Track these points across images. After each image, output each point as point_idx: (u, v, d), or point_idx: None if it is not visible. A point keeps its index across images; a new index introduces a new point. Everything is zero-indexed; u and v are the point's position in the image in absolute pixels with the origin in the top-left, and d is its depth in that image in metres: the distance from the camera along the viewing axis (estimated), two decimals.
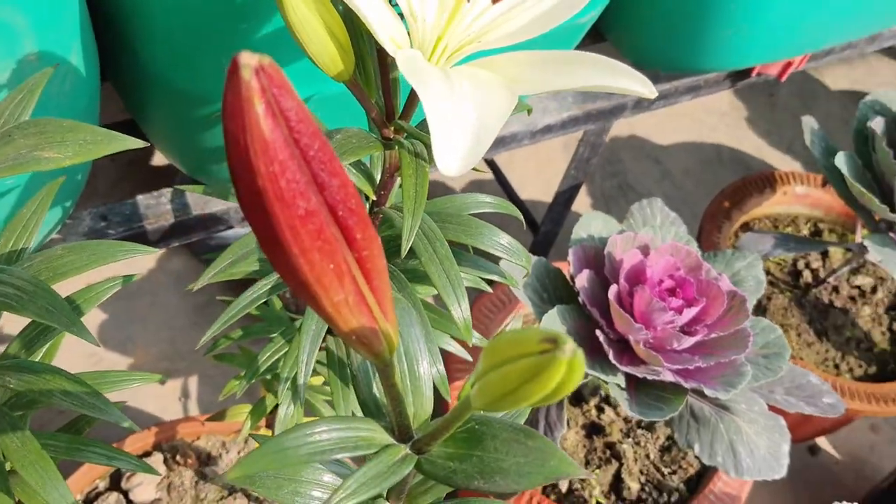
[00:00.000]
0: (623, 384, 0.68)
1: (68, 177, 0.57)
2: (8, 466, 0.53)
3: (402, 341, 0.33)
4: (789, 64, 0.89)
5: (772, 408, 0.74)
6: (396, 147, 0.44)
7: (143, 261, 1.14)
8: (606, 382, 0.68)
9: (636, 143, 1.42)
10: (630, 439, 0.84)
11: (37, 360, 0.51)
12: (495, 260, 0.54)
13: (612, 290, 0.67)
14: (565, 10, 0.40)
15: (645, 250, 0.71)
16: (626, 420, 0.85)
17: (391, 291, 0.28)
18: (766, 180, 1.03)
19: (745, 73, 0.91)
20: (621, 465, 0.83)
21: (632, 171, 1.38)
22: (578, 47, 0.89)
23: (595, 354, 0.68)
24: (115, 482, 0.79)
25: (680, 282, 0.69)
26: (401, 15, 0.39)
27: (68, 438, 0.54)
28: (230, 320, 0.49)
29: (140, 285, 1.13)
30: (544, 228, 1.05)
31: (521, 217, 0.56)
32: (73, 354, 1.04)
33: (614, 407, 0.85)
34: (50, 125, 0.37)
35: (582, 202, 1.33)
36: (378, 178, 0.49)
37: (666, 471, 0.83)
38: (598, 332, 0.67)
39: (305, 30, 0.35)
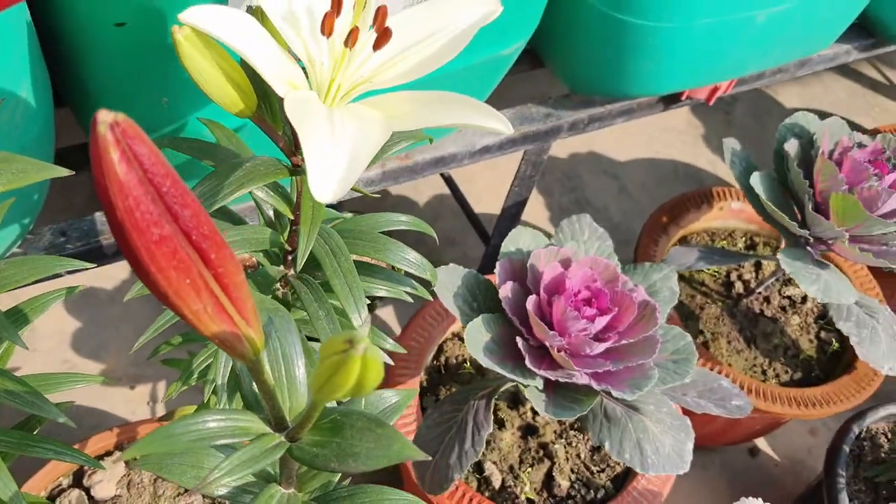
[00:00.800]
0: (541, 387, 0.74)
1: (24, 197, 0.63)
2: None
3: (279, 346, 0.39)
4: (716, 88, 0.95)
5: (685, 410, 0.80)
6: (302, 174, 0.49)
7: (116, 271, 1.19)
8: (526, 385, 0.73)
9: (594, 160, 1.48)
10: (563, 440, 0.90)
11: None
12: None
13: (531, 300, 0.73)
14: (446, 55, 0.46)
15: (566, 263, 0.77)
16: (560, 422, 0.91)
17: (252, 301, 0.33)
18: (703, 197, 1.09)
19: (676, 97, 0.97)
20: (553, 463, 0.88)
21: (589, 186, 1.44)
22: (519, 72, 0.95)
23: (516, 360, 0.73)
24: (78, 480, 0.84)
25: (596, 292, 0.75)
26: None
27: (20, 435, 0.60)
28: (161, 328, 0.54)
29: (113, 295, 1.19)
30: (494, 241, 1.10)
31: (434, 235, 0.61)
32: (47, 360, 1.10)
33: None
34: None
35: (540, 215, 1.38)
36: (294, 199, 0.55)
37: (595, 469, 0.88)
38: (518, 339, 0.73)
39: (203, 77, 0.41)
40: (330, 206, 0.97)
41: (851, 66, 1.75)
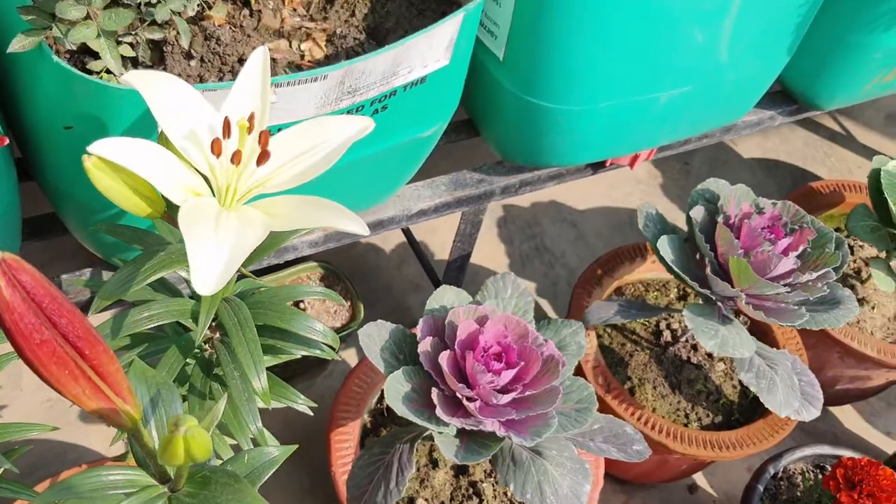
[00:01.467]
0: (455, 433, 0.82)
1: None
2: None
3: (164, 413, 0.48)
4: (637, 156, 1.04)
5: (583, 454, 0.88)
6: None
7: (94, 320, 1.29)
8: (440, 433, 0.82)
9: (555, 208, 1.57)
10: (491, 478, 0.98)
11: None
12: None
13: (444, 355, 0.81)
14: (325, 165, 0.55)
15: (482, 320, 0.85)
16: (494, 476, 0.99)
17: (127, 382, 0.42)
18: (637, 250, 1.18)
19: (601, 163, 1.06)
20: (482, 501, 0.96)
21: (549, 234, 1.53)
22: (459, 140, 1.04)
23: (432, 409, 0.82)
24: None
25: (506, 347, 0.83)
26: None
27: None
28: None
29: None
30: None
31: (343, 302, 0.70)
32: (30, 400, 1.19)
33: None
34: None
35: (500, 262, 1.47)
36: None
37: None
38: (433, 390, 0.82)
39: (110, 193, 0.50)
40: (295, 259, 1.06)
41: (809, 117, 1.83)
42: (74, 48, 0.64)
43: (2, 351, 0.69)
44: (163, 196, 0.54)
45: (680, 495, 1.24)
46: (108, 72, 0.66)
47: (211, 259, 0.48)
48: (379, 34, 0.81)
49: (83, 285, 0.67)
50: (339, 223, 0.52)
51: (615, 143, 0.96)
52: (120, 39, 0.65)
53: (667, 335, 1.12)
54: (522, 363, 0.82)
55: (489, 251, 1.48)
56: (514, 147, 0.98)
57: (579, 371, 1.06)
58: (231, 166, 0.53)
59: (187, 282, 0.66)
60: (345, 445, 0.95)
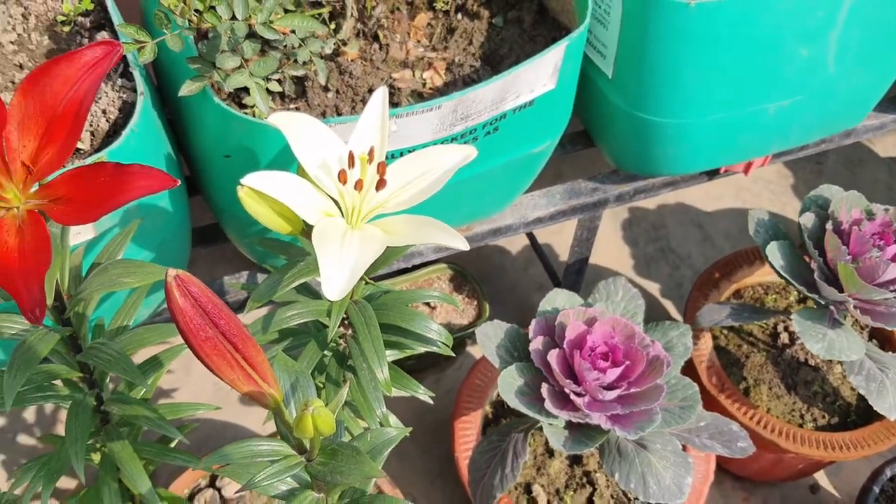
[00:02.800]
0: (563, 425, 0.90)
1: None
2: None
3: (300, 396, 0.58)
4: (750, 163, 1.07)
5: (690, 450, 0.93)
6: None
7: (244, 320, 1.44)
8: (549, 424, 0.89)
9: (681, 210, 1.59)
10: (604, 470, 1.04)
11: (137, 396, 0.80)
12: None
13: (553, 353, 0.89)
14: (433, 189, 0.64)
15: (591, 322, 0.92)
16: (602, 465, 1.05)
17: (272, 371, 0.53)
18: (755, 253, 1.20)
19: (716, 170, 1.09)
20: (595, 490, 1.03)
21: (675, 236, 1.56)
22: (575, 151, 1.11)
23: (542, 402, 0.89)
24: (213, 481, 1.08)
25: (612, 347, 0.90)
26: None
27: (159, 447, 0.83)
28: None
29: None
30: None
31: (457, 305, 0.79)
32: (199, 385, 1.35)
33: None
34: (129, 264, 0.65)
35: (624, 263, 1.52)
36: None
37: (632, 496, 1.02)
38: (543, 385, 0.89)
39: (259, 216, 0.61)
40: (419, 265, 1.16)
41: None
42: (232, 90, 0.76)
43: (173, 343, 0.82)
44: (301, 219, 0.65)
45: (801, 494, 1.25)
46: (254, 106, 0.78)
47: (337, 271, 0.58)
48: (494, 60, 0.89)
49: (240, 288, 0.79)
50: (442, 240, 0.60)
51: (725, 152, 1.00)
52: (269, 77, 0.76)
53: (784, 337, 1.14)
54: (628, 362, 0.88)
55: (613, 253, 1.54)
56: (627, 157, 1.03)
57: (692, 371, 1.10)
58: (355, 192, 0.62)
59: None
60: (467, 433, 1.04)
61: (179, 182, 0.50)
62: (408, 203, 0.65)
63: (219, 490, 1.07)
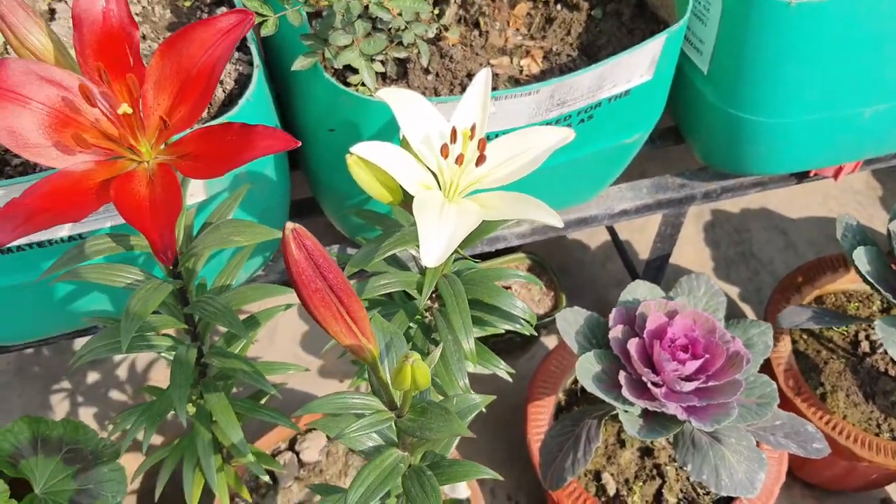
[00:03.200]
0: (638, 413, 0.91)
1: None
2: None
3: (394, 355, 0.61)
4: (841, 168, 1.06)
5: (792, 455, 0.92)
6: None
7: None
8: (625, 411, 0.91)
9: (765, 215, 1.58)
10: (675, 463, 1.05)
11: (237, 349, 0.84)
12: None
13: (633, 342, 0.90)
14: (529, 168, 0.66)
15: (672, 314, 0.93)
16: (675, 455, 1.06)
17: (370, 326, 0.56)
18: (840, 260, 1.19)
19: (805, 173, 1.09)
20: (664, 482, 1.04)
21: (757, 241, 1.55)
22: (665, 146, 1.12)
23: (619, 390, 0.91)
24: (292, 445, 1.12)
25: (692, 340, 0.91)
26: None
27: (251, 403, 0.87)
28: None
29: None
30: None
31: (541, 285, 0.81)
32: (281, 354, 1.40)
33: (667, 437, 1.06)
34: (239, 224, 0.69)
35: (704, 265, 1.51)
36: None
37: (701, 492, 1.03)
38: (621, 373, 0.91)
39: (363, 184, 0.64)
40: (506, 249, 1.18)
41: None
42: (340, 67, 0.80)
43: (268, 306, 0.87)
44: (401, 188, 0.68)
45: None
46: (363, 84, 0.82)
47: (435, 240, 0.61)
48: (591, 51, 0.91)
49: (333, 257, 0.83)
50: (539, 216, 0.63)
51: (816, 154, 1.00)
52: (373, 58, 0.80)
53: (865, 346, 1.13)
54: (707, 356, 0.89)
55: (694, 254, 1.53)
56: (717, 154, 1.04)
57: (769, 372, 1.10)
58: (455, 166, 0.65)
59: (415, 259, 0.80)
60: (540, 417, 1.06)
61: (299, 143, 0.54)
62: (504, 180, 0.67)
63: (297, 454, 1.11)
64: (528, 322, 0.78)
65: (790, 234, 1.56)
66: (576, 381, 1.13)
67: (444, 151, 0.64)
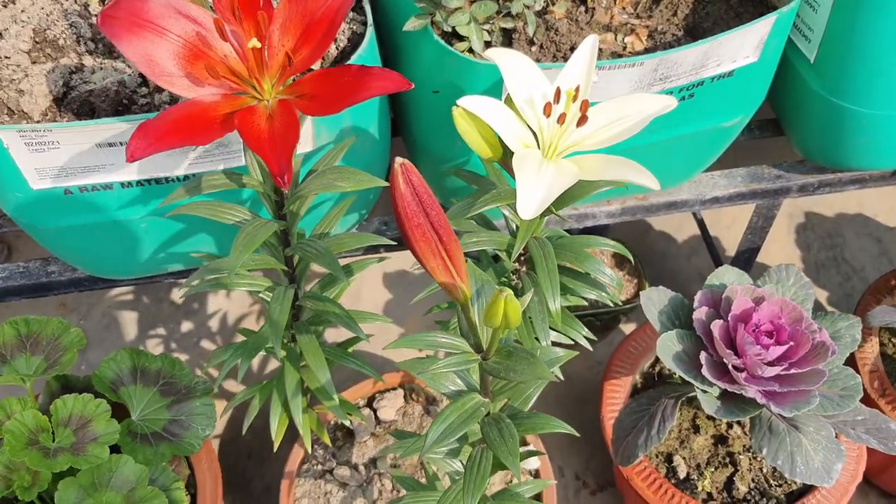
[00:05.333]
0: (717, 394, 0.91)
1: (361, 197, 0.94)
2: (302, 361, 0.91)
3: (484, 301, 0.63)
4: None
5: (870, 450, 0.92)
6: None
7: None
8: (704, 391, 0.91)
9: (861, 221, 1.54)
10: (749, 453, 1.04)
11: (330, 296, 0.88)
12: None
13: (716, 323, 0.90)
14: (629, 133, 0.68)
15: (759, 300, 0.93)
16: (751, 439, 1.05)
17: (466, 267, 0.58)
18: None
19: None
20: (736, 470, 1.03)
21: (850, 247, 1.51)
22: (764, 137, 1.11)
23: (699, 370, 0.91)
24: (370, 403, 1.16)
25: (777, 327, 0.90)
26: None
27: (339, 350, 0.91)
28: (431, 292, 0.82)
29: (417, 279, 1.50)
30: None
31: (630, 257, 0.82)
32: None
33: (742, 426, 1.06)
34: (343, 170, 0.72)
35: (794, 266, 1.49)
36: None
37: (773, 483, 1.02)
38: (702, 353, 0.91)
39: (467, 137, 0.67)
40: (591, 229, 1.19)
41: None
42: (448, 31, 0.83)
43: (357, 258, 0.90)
44: (501, 144, 0.70)
45: None
46: (469, 51, 0.84)
47: (532, 192, 0.63)
48: (696, 32, 0.91)
49: None
50: (634, 177, 0.64)
51: None
52: (481, 26, 0.82)
53: None
54: (792, 343, 0.89)
55: (784, 255, 1.51)
56: (817, 146, 1.03)
57: (854, 369, 1.08)
58: (556, 126, 0.67)
59: (506, 219, 0.83)
60: (615, 396, 1.07)
61: (412, 85, 0.56)
62: (602, 144, 0.69)
63: (375, 411, 1.15)
64: (615, 289, 0.80)
65: (885, 242, 1.52)
66: (653, 365, 1.13)
67: (547, 110, 0.66)
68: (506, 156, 0.72)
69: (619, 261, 1.39)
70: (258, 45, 0.57)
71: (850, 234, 1.54)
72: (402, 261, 1.45)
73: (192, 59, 0.59)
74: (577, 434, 0.68)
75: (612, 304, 0.82)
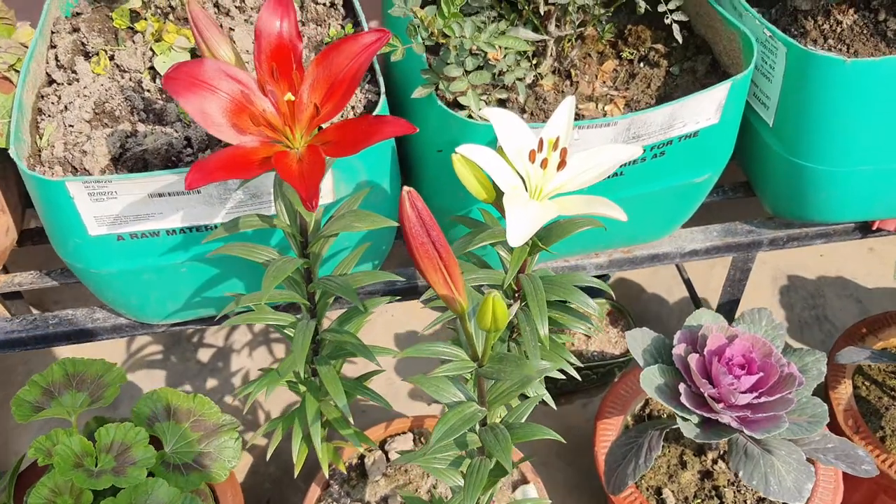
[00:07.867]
0: (696, 422, 1.00)
1: (374, 246, 1.05)
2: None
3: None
4: None
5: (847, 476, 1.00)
6: None
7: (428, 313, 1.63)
8: (685, 419, 1.00)
9: (841, 284, 1.65)
10: (734, 487, 1.12)
11: (348, 330, 0.99)
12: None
13: (693, 358, 1.00)
14: (601, 177, 0.80)
15: (732, 338, 1.03)
16: (736, 474, 1.13)
17: (462, 281, 0.69)
18: None
19: (868, 226, 1.18)
20: (721, 503, 1.11)
21: (832, 307, 1.61)
22: (733, 196, 1.23)
23: (677, 399, 1.01)
24: (382, 445, 1.25)
25: (749, 360, 1.00)
26: None
27: (356, 383, 1.01)
28: (441, 320, 0.92)
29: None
30: None
31: (611, 293, 0.93)
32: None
33: (727, 462, 1.14)
34: (360, 213, 0.84)
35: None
36: None
37: None
38: (681, 385, 1.01)
39: (464, 180, 0.79)
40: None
41: None
42: (450, 100, 0.96)
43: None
44: (494, 187, 0.82)
45: None
46: (469, 117, 0.97)
47: (519, 221, 0.74)
48: (667, 101, 1.04)
49: None
50: (606, 210, 0.76)
51: (875, 204, 1.09)
52: (478, 95, 0.95)
53: None
54: (762, 374, 0.98)
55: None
56: (783, 203, 1.14)
57: (830, 413, 1.17)
58: (540, 170, 0.79)
59: (501, 259, 0.94)
60: (607, 433, 1.16)
61: (417, 129, 0.69)
62: (580, 186, 0.81)
63: (386, 453, 1.23)
64: (599, 321, 0.90)
65: (865, 303, 1.62)
66: (643, 407, 1.22)
67: (532, 156, 0.78)
68: (498, 198, 0.84)
69: (614, 319, 1.49)
70: (292, 97, 0.70)
71: (831, 296, 1.64)
72: (408, 317, 1.56)
73: (237, 112, 0.72)
74: (564, 441, 0.77)
75: (607, 357, 0.92)
